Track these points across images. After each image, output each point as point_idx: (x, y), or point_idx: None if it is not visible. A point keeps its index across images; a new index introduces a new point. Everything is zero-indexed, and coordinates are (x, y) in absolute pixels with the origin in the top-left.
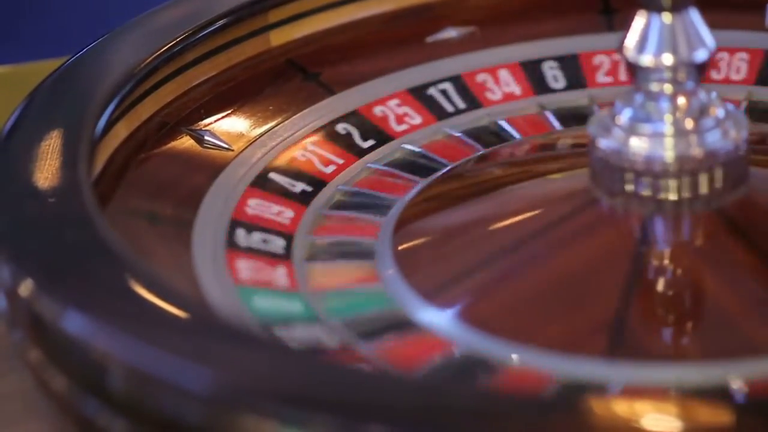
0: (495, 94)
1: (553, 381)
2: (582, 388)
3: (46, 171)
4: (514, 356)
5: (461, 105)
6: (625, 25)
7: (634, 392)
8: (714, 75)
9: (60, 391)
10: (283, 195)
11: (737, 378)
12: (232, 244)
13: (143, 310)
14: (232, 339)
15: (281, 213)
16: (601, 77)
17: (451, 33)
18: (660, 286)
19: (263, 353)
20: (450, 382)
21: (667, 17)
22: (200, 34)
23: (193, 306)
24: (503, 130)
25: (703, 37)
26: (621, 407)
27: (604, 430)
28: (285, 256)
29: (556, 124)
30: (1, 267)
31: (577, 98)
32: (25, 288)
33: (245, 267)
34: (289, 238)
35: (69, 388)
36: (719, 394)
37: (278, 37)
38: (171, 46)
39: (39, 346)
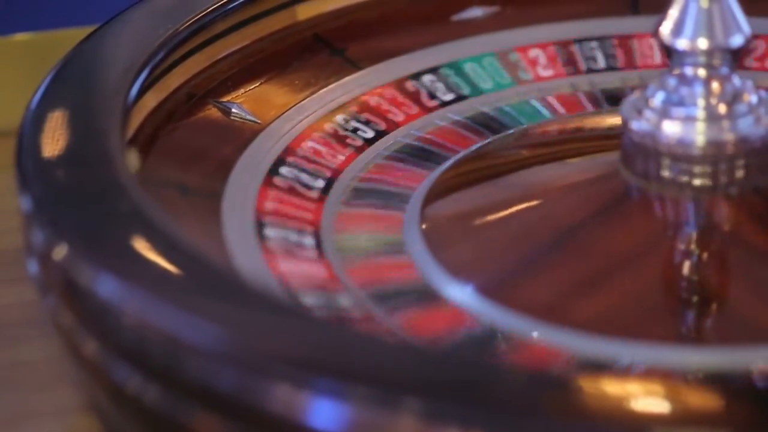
0: (530, 73)
1: (572, 359)
2: (595, 367)
3: (79, 138)
4: (535, 333)
5: (501, 81)
6: (650, 9)
7: (626, 373)
8: (754, 63)
9: (92, 356)
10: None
11: (747, 364)
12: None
13: (177, 276)
14: (266, 308)
15: (326, 160)
16: (634, 60)
17: (476, 12)
18: (693, 269)
19: (298, 323)
20: (464, 354)
21: (704, 1)
22: (230, 6)
23: (228, 274)
24: (541, 108)
25: (740, 22)
26: (612, 387)
27: (593, 408)
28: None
29: (592, 106)
30: (35, 232)
31: (612, 80)
32: (59, 252)
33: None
34: (330, 180)
35: (101, 353)
36: (721, 380)
37: (305, 12)
38: (201, 16)
39: (72, 311)
